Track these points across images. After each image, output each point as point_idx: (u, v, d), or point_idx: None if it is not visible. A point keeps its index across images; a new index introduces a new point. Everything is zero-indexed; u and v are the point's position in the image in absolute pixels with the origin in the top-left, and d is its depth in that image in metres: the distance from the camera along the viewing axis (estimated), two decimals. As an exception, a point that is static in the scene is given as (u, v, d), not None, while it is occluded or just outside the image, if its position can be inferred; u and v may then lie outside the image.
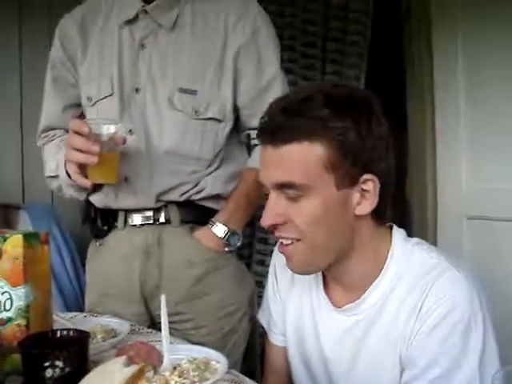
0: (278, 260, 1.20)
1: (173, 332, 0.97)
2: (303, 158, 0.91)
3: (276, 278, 1.20)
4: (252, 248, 2.27)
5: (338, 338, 1.03)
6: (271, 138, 0.93)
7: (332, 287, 1.07)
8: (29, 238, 0.96)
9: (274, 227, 0.96)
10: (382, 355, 0.97)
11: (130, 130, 1.30)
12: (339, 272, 1.02)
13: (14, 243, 0.94)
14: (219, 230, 1.32)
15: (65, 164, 1.28)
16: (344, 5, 2.41)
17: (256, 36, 1.34)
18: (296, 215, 0.93)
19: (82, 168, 1.21)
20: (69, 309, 1.52)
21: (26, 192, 2.02)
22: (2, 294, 0.94)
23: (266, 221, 0.95)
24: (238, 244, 1.34)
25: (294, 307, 1.14)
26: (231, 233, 1.32)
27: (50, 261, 1.01)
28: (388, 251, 0.99)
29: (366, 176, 0.92)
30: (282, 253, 1.00)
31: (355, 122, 0.91)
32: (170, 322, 0.95)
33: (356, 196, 0.93)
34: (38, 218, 1.66)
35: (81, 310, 1.50)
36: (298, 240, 0.95)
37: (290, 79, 2.20)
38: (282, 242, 0.98)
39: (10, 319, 0.94)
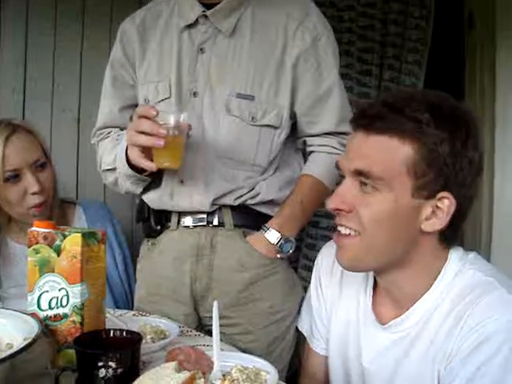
0: (322, 268, 1.19)
1: (220, 336, 0.97)
2: (389, 152, 0.90)
3: (321, 286, 1.18)
4: (299, 252, 2.26)
5: (380, 354, 1.01)
6: (365, 125, 0.93)
7: (380, 301, 1.05)
8: (87, 236, 0.97)
9: (338, 213, 0.95)
10: (423, 372, 0.94)
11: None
12: (390, 283, 1.00)
13: (73, 241, 0.96)
14: (272, 236, 1.31)
15: (126, 151, 1.27)
16: (404, 10, 2.36)
17: (316, 43, 1.33)
18: (363, 207, 0.92)
19: (146, 154, 1.21)
20: (117, 306, 1.54)
21: (79, 189, 2.07)
22: (60, 290, 0.97)
23: (331, 203, 0.95)
24: (291, 251, 1.33)
25: (340, 318, 1.12)
26: (284, 240, 1.31)
27: (105, 260, 1.03)
28: (442, 269, 0.96)
29: (445, 194, 0.90)
30: (336, 243, 0.99)
31: (452, 135, 0.89)
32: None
33: (428, 210, 0.91)
34: (93, 214, 1.67)
35: (129, 307, 1.52)
36: (356, 234, 0.94)
37: (345, 85, 2.20)
38: (339, 232, 0.97)
39: (65, 315, 0.96)
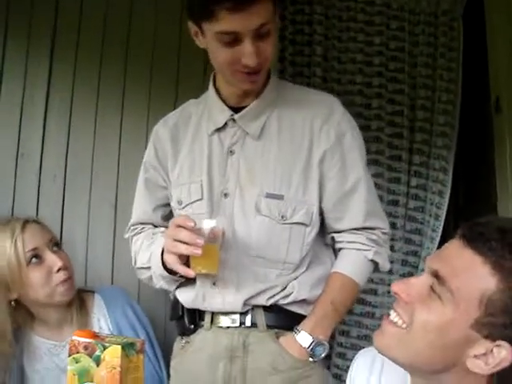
0: (357, 376, 1.15)
1: None
2: (474, 276, 0.85)
3: None
4: (333, 339, 2.22)
5: None
6: (468, 237, 0.88)
7: None
8: (126, 348, 1.00)
9: (397, 297, 0.93)
10: None
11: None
12: None
13: (113, 353, 0.98)
14: (304, 339, 1.31)
15: (161, 255, 1.32)
16: (431, 96, 2.41)
17: (341, 140, 1.36)
18: (421, 308, 0.89)
19: (182, 259, 1.26)
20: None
21: (114, 277, 2.12)
22: (97, 400, 0.98)
23: (396, 287, 0.93)
24: (323, 355, 1.32)
25: None
26: (316, 343, 1.31)
27: (144, 369, 1.04)
28: None
29: (505, 344, 0.84)
30: (381, 323, 0.96)
31: None
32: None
33: (480, 349, 0.85)
34: (111, 300, 1.72)
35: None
36: (403, 326, 0.91)
37: (376, 171, 2.23)
38: (389, 315, 0.95)
39: (103, 427, 0.97)
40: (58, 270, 1.58)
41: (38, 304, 1.62)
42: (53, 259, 1.58)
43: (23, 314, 1.64)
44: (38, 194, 2.11)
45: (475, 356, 0.86)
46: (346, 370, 1.22)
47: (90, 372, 0.99)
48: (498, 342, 0.84)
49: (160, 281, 1.41)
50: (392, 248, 2.28)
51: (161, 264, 1.34)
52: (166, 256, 1.30)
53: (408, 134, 2.38)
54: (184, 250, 1.22)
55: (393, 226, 2.28)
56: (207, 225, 1.24)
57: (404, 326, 0.92)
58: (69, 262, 1.64)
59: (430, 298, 0.89)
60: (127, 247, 1.60)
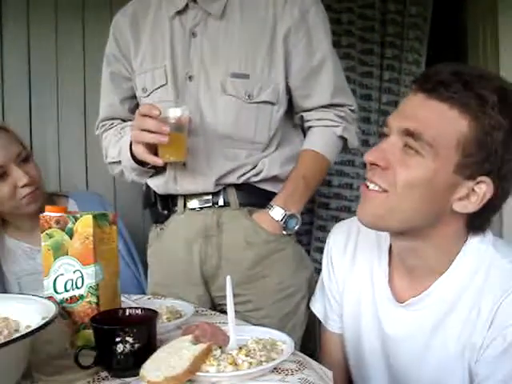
0: (334, 246, 1.19)
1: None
2: (446, 122, 0.87)
3: (332, 264, 1.19)
4: (311, 235, 2.26)
5: (403, 334, 1.01)
6: (427, 89, 0.89)
7: (395, 275, 1.05)
8: (98, 218, 0.99)
9: (372, 167, 0.93)
10: (451, 359, 0.94)
11: None
12: (407, 250, 0.99)
13: (85, 223, 0.97)
14: (277, 213, 1.33)
15: (130, 147, 1.31)
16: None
17: (305, 17, 1.34)
18: (402, 168, 0.90)
19: (150, 149, 1.25)
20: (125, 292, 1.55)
21: (89, 181, 2.09)
22: (74, 272, 0.98)
23: (370, 156, 0.93)
24: (296, 228, 1.35)
25: (353, 291, 1.13)
26: (289, 216, 1.33)
27: (117, 241, 1.04)
28: (460, 251, 0.96)
29: (484, 179, 0.88)
30: (362, 196, 0.97)
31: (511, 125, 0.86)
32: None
33: (463, 191, 0.89)
34: (86, 205, 1.69)
35: (136, 293, 1.52)
36: (385, 192, 0.92)
37: (348, 64, 2.20)
38: (367, 186, 0.95)
39: (81, 297, 0.98)
40: (24, 186, 1.53)
41: (7, 213, 1.60)
42: (18, 175, 1.52)
43: None
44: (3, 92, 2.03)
45: (460, 199, 0.90)
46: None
47: (65, 245, 0.98)
48: (479, 179, 0.88)
49: (131, 174, 1.41)
50: (367, 142, 2.29)
51: (130, 156, 1.33)
52: (134, 147, 1.28)
53: (379, 27, 2.33)
54: (150, 138, 1.20)
55: (367, 120, 2.28)
56: (173, 113, 1.22)
57: (385, 191, 0.92)
58: (37, 174, 1.58)
59: (408, 156, 0.89)
60: (100, 151, 1.56)
